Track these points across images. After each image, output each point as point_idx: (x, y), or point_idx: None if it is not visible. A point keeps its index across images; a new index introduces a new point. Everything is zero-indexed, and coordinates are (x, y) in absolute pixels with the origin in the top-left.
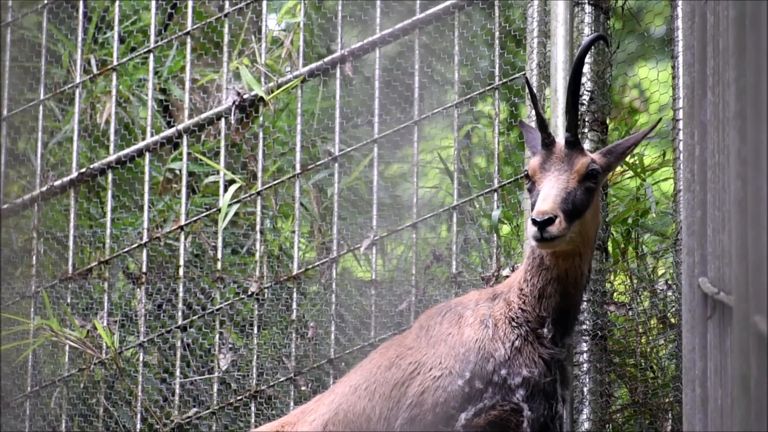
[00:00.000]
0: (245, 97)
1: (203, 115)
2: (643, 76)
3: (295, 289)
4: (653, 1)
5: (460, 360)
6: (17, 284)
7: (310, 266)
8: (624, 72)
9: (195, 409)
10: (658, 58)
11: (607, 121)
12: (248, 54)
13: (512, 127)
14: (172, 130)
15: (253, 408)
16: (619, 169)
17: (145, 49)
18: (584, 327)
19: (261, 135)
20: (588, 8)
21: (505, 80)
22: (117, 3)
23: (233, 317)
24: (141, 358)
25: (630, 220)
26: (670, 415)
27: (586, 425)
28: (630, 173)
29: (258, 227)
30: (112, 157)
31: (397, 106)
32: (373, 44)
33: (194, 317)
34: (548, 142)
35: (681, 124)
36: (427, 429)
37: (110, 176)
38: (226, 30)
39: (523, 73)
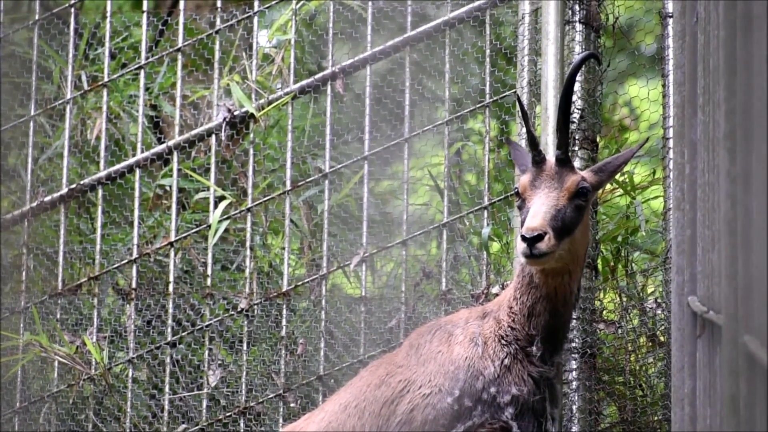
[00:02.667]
0: (236, 113)
1: (194, 132)
2: (633, 94)
3: (284, 306)
4: (644, 20)
5: (449, 378)
6: (7, 300)
7: (300, 283)
8: (614, 90)
9: (184, 426)
10: (649, 76)
11: (598, 139)
12: (239, 70)
13: (502, 144)
14: (163, 146)
15: (242, 424)
16: (609, 186)
17: (136, 66)
18: (573, 345)
19: (251, 151)
20: (579, 26)
21: (495, 98)
22: (108, 19)
23: (223, 333)
24: (130, 374)
25: (620, 238)
26: None
27: None
28: (620, 191)
29: (248, 243)
30: (102, 173)
31: (388, 123)
32: (364, 61)
33: (184, 333)
34: (539, 159)
35: (671, 143)
36: None
37: (100, 192)
38: (217, 46)
39: (514, 90)
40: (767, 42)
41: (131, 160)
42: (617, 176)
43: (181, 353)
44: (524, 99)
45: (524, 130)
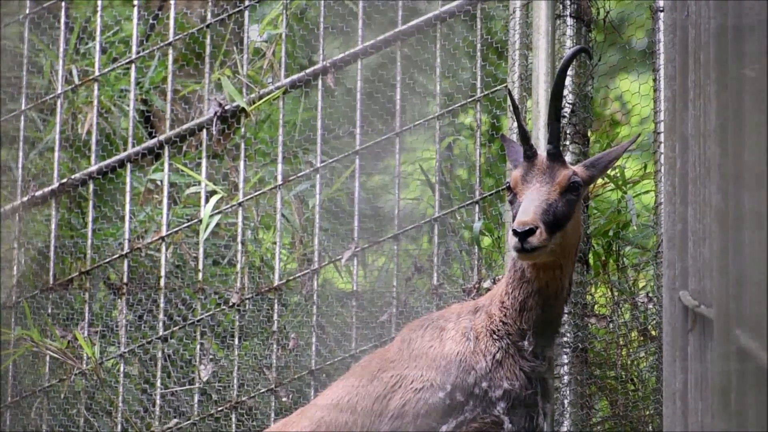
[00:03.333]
0: (227, 108)
1: (185, 126)
2: (624, 88)
3: (276, 300)
4: (635, 14)
5: (441, 372)
6: None
7: (292, 277)
8: (605, 84)
9: (176, 420)
10: (640, 71)
11: (589, 134)
12: (230, 65)
13: (494, 138)
14: (154, 140)
15: (233, 419)
16: (600, 181)
17: (127, 60)
18: (565, 339)
19: (242, 146)
20: (570, 21)
21: (486, 92)
22: (99, 13)
23: (214, 328)
24: (122, 369)
25: (611, 233)
26: (650, 427)
27: None
28: (611, 186)
29: (239, 238)
30: (93, 168)
31: (379, 117)
32: (355, 56)
33: (175, 328)
34: (530, 154)
35: (662, 137)
36: None
37: (91, 187)
38: (208, 41)
39: (505, 85)
40: (759, 36)
41: (122, 155)
42: (608, 171)
43: (172, 348)
44: (515, 93)
45: (515, 124)
